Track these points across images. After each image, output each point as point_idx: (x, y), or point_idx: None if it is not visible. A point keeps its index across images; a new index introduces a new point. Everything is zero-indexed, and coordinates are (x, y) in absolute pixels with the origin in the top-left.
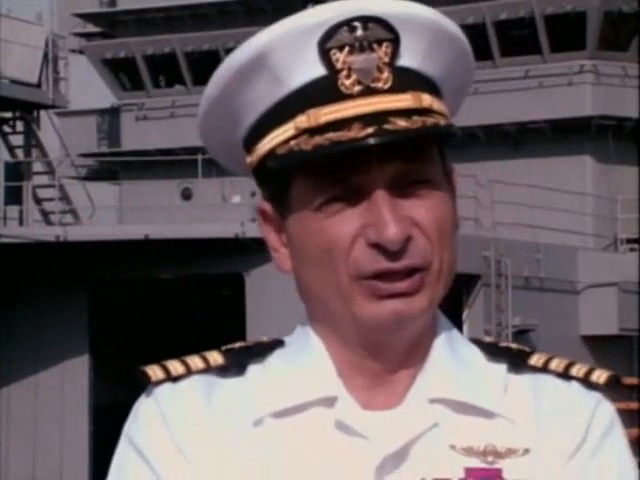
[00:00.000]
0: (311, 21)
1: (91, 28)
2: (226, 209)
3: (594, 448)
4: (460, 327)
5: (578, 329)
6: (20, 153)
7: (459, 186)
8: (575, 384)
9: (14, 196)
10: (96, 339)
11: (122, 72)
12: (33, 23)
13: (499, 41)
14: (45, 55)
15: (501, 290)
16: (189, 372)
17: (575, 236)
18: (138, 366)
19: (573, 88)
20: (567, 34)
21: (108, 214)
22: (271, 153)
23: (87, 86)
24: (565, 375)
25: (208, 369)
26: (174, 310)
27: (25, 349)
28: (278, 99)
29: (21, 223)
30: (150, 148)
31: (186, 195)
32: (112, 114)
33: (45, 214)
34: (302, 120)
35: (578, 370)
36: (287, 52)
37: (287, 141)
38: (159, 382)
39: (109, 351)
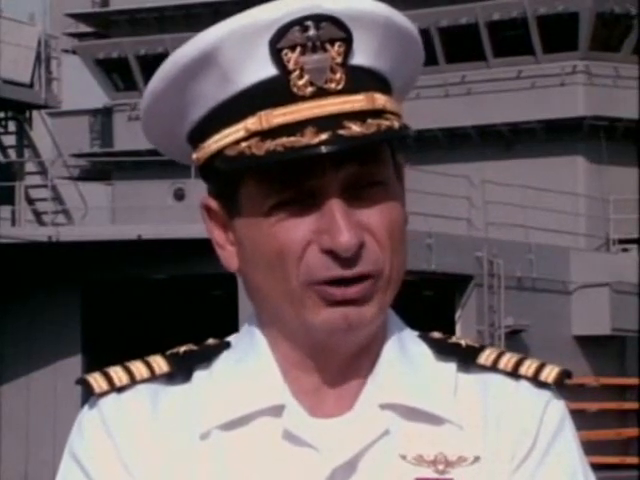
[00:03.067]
0: (262, 19)
1: (84, 28)
2: None
3: (544, 453)
4: (453, 328)
5: (570, 329)
6: (12, 153)
7: (452, 186)
8: (524, 383)
9: (6, 196)
10: (89, 339)
11: (115, 72)
12: (26, 23)
13: (492, 42)
14: (38, 55)
15: (493, 290)
16: (133, 382)
17: (567, 236)
18: (82, 375)
19: (566, 89)
20: (559, 35)
21: (101, 214)
22: (219, 153)
23: (80, 86)
24: (514, 374)
25: (153, 378)
26: (167, 310)
27: (18, 349)
28: (227, 97)
29: (13, 223)
30: (143, 148)
31: (179, 195)
32: (105, 114)
33: (37, 214)
34: (253, 122)
35: (528, 368)
36: (237, 50)
37: (237, 142)
38: (103, 393)
39: (102, 351)
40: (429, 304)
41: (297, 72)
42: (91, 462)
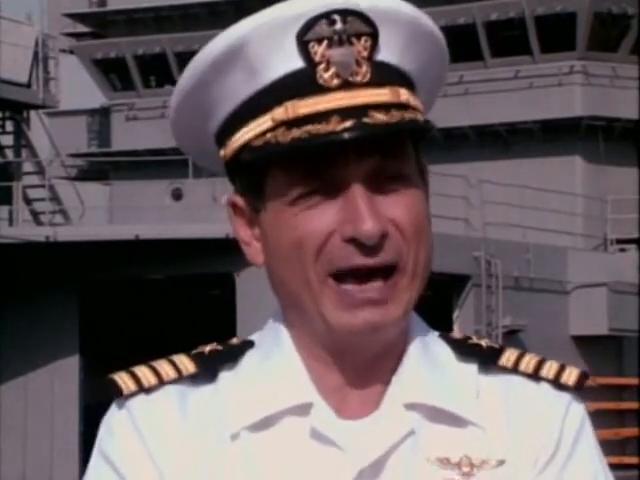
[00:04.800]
0: (290, 13)
1: (81, 28)
2: (216, 209)
3: (567, 456)
4: (450, 328)
5: (568, 329)
6: (10, 153)
7: (449, 186)
8: (545, 385)
9: (4, 196)
10: (86, 339)
11: (112, 72)
12: (23, 23)
13: (489, 42)
14: (35, 55)
15: (491, 290)
16: (161, 382)
17: (565, 236)
18: (106, 374)
19: (563, 89)
20: (557, 35)
21: (98, 214)
22: (246, 145)
23: (77, 86)
24: (535, 376)
25: (180, 378)
26: (164, 310)
27: (15, 349)
28: (254, 91)
29: (11, 223)
30: (140, 148)
31: (176, 195)
32: (102, 114)
33: (35, 214)
34: (279, 112)
35: (548, 370)
36: (264, 44)
37: (263, 133)
38: (132, 394)
39: (99, 351)
40: (427, 304)
41: (323, 64)
42: (123, 462)
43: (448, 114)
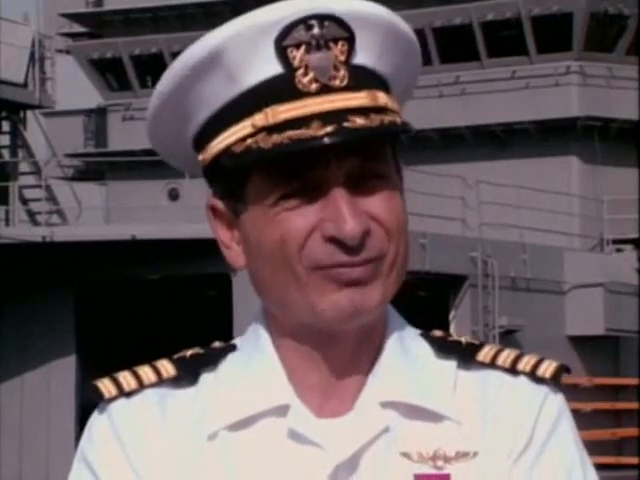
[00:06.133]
0: (267, 19)
1: (78, 28)
2: None
3: (541, 447)
4: (447, 328)
5: (564, 329)
6: (6, 153)
7: (446, 187)
8: (523, 378)
9: (0, 196)
10: (83, 339)
11: (109, 72)
12: (20, 23)
13: (486, 42)
14: (32, 55)
15: (488, 291)
16: (142, 386)
17: (561, 237)
18: (90, 381)
19: (559, 89)
20: (553, 35)
21: (95, 214)
22: (226, 151)
23: (74, 86)
24: (513, 370)
25: (160, 382)
26: (161, 311)
27: (12, 349)
28: (233, 97)
29: (7, 224)
30: (137, 148)
31: (173, 195)
32: (99, 114)
33: (31, 214)
34: (260, 118)
35: (525, 364)
36: (242, 50)
37: (244, 139)
38: (112, 398)
39: (96, 351)
40: (423, 304)
41: (302, 69)
42: (102, 466)
43: (445, 114)
